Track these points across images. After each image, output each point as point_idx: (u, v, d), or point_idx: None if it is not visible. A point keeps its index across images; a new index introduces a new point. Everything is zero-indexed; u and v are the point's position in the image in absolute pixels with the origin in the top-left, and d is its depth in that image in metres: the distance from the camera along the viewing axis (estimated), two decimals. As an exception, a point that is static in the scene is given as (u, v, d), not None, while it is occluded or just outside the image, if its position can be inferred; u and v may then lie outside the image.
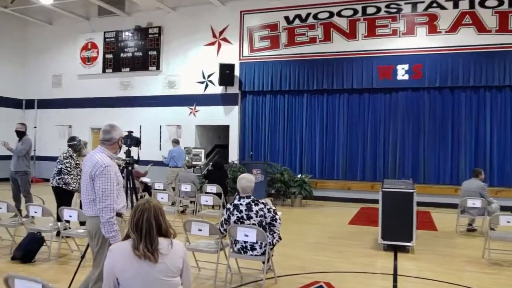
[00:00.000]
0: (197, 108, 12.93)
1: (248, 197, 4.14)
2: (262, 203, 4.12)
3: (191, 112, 13.04)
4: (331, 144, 11.88)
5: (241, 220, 4.10)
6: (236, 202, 4.18)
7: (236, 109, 12.68)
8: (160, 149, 12.69)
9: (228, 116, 12.72)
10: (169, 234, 2.31)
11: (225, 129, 13.03)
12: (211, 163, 10.07)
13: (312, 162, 11.99)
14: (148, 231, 2.23)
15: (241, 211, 4.10)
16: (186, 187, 8.26)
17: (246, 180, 4.18)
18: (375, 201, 6.69)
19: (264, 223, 4.08)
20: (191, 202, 8.92)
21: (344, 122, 11.73)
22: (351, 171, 11.60)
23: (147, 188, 9.12)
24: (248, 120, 12.63)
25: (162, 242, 2.26)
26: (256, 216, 4.04)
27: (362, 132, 11.56)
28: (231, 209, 4.18)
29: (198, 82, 12.91)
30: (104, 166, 3.18)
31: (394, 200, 5.87)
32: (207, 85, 12.85)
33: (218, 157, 11.95)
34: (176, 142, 11.13)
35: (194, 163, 10.54)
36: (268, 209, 4.09)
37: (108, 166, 3.19)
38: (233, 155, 12.55)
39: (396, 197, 5.88)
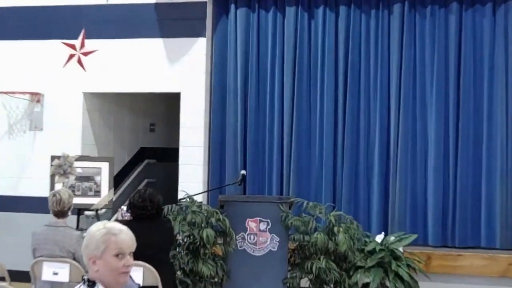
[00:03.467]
0: (89, 45, 11.97)
1: None
2: None
3: (71, 58, 11.85)
4: (465, 149, 10.57)
5: None
6: None
7: (200, 49, 11.67)
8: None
9: (179, 69, 11.75)
10: None
11: (169, 105, 13.08)
12: (128, 202, 8.96)
13: (414, 200, 10.84)
14: None
15: None
16: (56, 270, 8.34)
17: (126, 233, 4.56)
18: None
19: None
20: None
21: (509, 90, 10.51)
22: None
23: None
24: (235, 75, 11.51)
25: None
26: None
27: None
28: None
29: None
30: None
31: None
32: (116, -20, 12.45)
33: (148, 184, 11.95)
34: None
35: (78, 201, 10.05)
36: None
37: None
38: (192, 179, 11.46)
39: None
